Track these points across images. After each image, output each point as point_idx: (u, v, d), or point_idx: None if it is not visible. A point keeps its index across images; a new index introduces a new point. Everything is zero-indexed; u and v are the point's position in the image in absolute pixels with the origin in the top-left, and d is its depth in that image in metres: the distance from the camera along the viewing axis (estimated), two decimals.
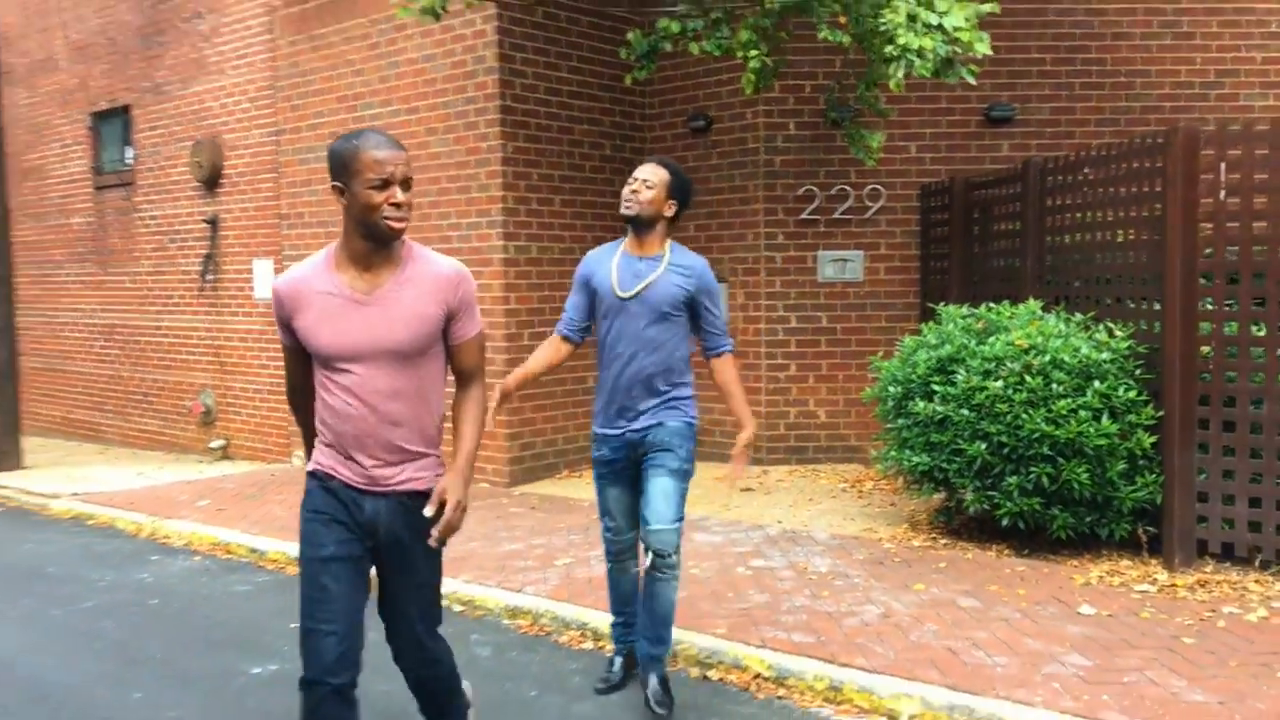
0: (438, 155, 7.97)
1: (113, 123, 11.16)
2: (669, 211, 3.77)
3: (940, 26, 5.30)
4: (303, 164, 8.95)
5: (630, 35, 7.12)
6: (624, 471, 3.83)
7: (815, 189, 7.99)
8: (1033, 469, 5.12)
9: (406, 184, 2.62)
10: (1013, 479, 5.20)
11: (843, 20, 6.48)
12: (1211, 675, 3.78)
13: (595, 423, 3.88)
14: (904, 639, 4.25)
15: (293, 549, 5.92)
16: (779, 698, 3.96)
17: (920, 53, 5.36)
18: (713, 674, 4.18)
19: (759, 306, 8.08)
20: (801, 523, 6.29)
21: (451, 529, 2.68)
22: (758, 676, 4.09)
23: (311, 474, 2.79)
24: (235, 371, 9.91)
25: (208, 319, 10.15)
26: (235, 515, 7.11)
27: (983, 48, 5.51)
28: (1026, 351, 5.27)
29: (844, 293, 8.09)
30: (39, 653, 4.68)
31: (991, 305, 5.85)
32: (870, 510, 6.57)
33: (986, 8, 5.70)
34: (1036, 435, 5.07)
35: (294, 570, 5.77)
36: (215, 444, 9.99)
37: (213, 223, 9.90)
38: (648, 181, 3.72)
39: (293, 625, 4.51)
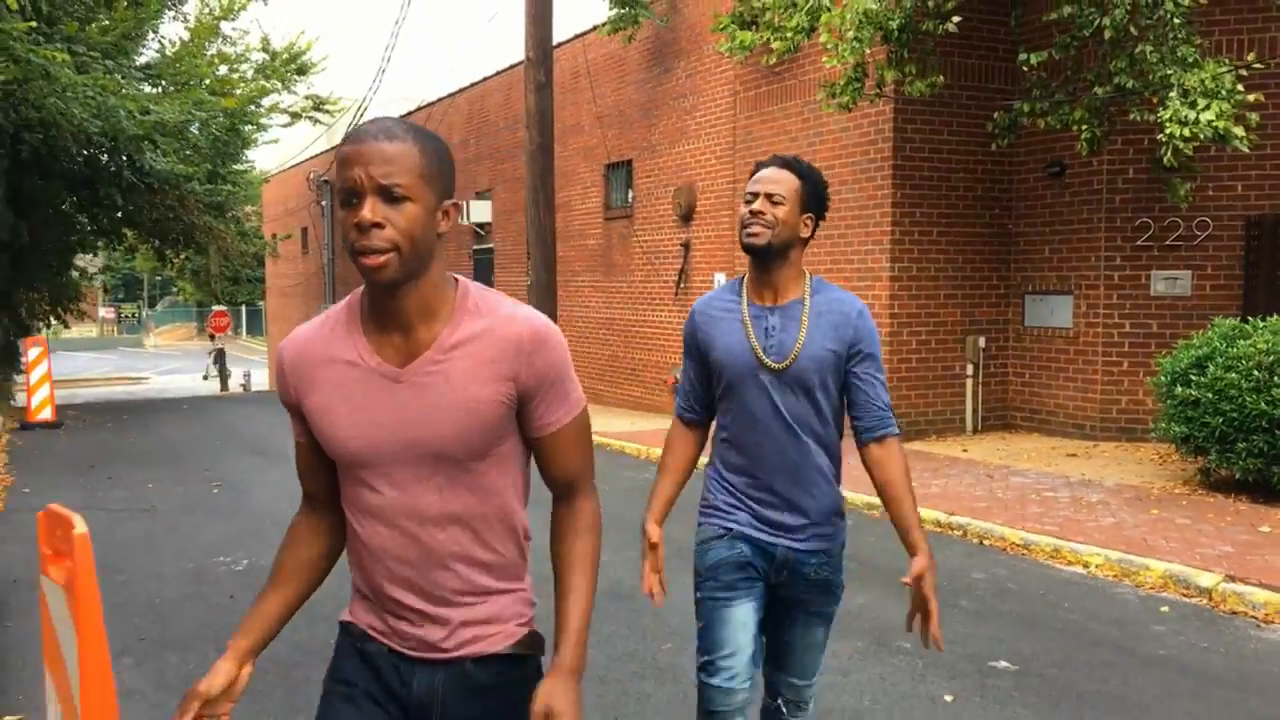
0: (847, 200, 10.92)
1: (619, 172, 15.31)
2: (805, 231, 2.69)
3: (1198, 120, 7.35)
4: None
5: (996, 115, 9.64)
6: (757, 587, 2.70)
7: (1150, 220, 9.93)
8: (1254, 437, 7.09)
9: (388, 194, 1.62)
10: (1241, 445, 7.18)
11: (1154, 101, 8.55)
12: None
13: (719, 517, 2.74)
14: (1118, 534, 6.57)
15: None
16: (1022, 555, 6.50)
17: (1184, 138, 7.44)
18: (986, 542, 6.78)
19: (1098, 314, 10.16)
20: (1099, 476, 8.50)
21: None
22: (1013, 544, 6.64)
23: (344, 626, 1.88)
24: None
25: (679, 315, 13.87)
26: None
27: (1238, 131, 7.44)
28: (1262, 352, 7.20)
29: (1173, 305, 9.94)
30: None
31: (1249, 318, 7.74)
32: (1161, 473, 8.59)
33: (1252, 97, 7.60)
34: (1257, 413, 7.03)
35: None
36: None
37: (686, 246, 13.60)
38: (774, 195, 2.64)
39: None
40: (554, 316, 13.93)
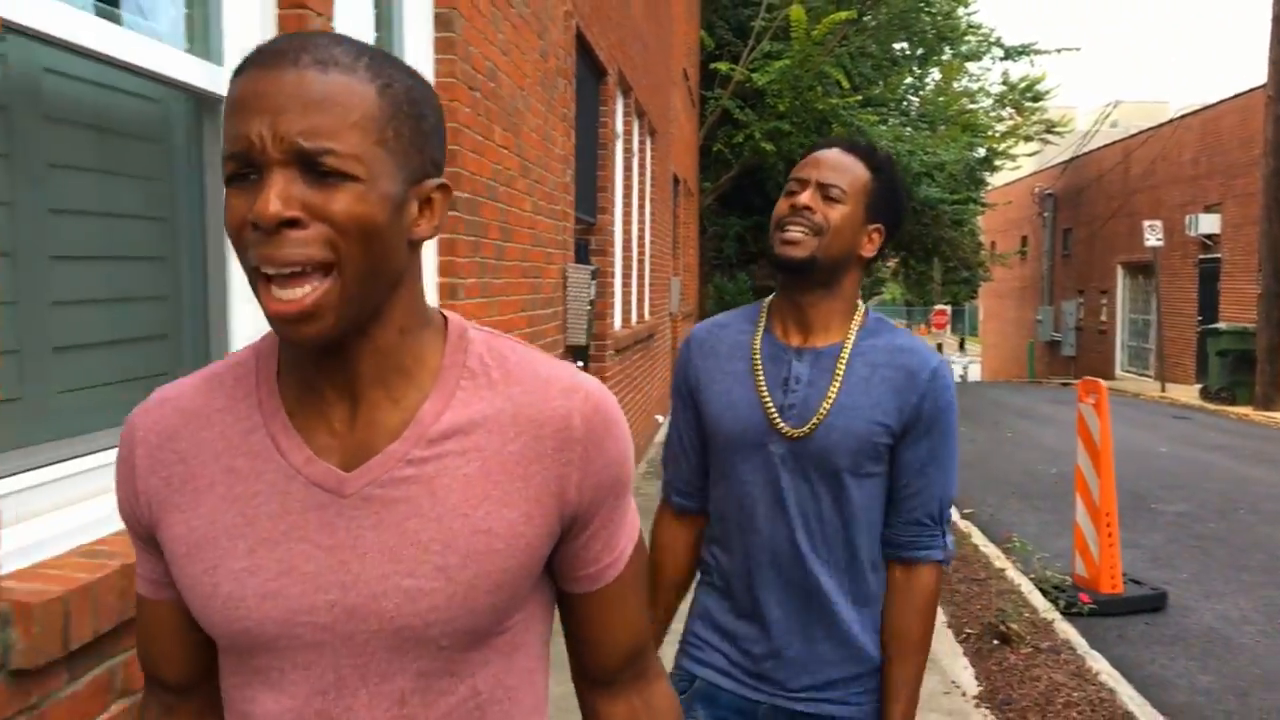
0: None
1: None
2: (869, 248, 1.80)
3: None
4: None
5: None
6: None
7: None
8: None
9: (312, 166, 0.83)
10: None
11: None
12: None
13: (689, 654, 1.89)
14: None
15: None
16: None
17: None
18: None
19: None
20: None
21: None
22: None
23: None
24: None
25: None
26: None
27: None
28: None
29: None
30: None
31: None
32: None
33: None
34: None
35: None
36: None
37: None
38: (831, 188, 1.74)
39: None
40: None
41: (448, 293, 3.45)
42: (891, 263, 32.26)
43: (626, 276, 8.67)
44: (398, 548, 0.90)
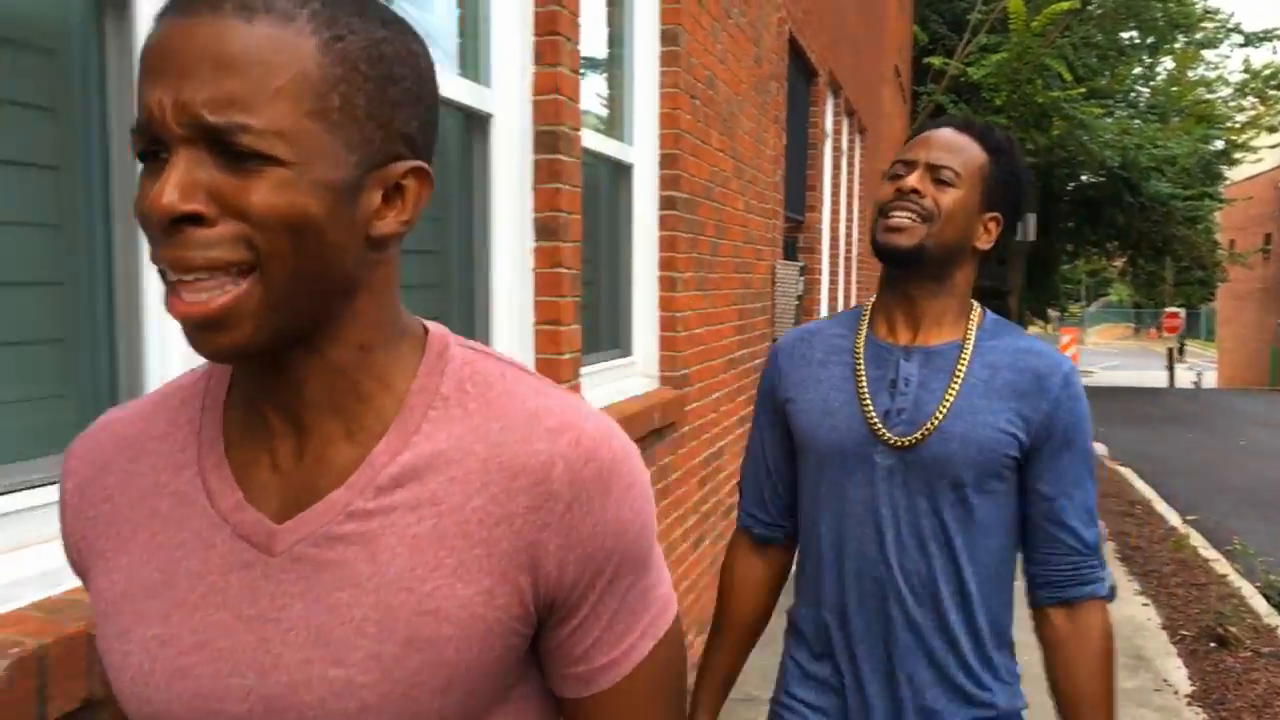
0: None
1: None
2: (984, 240, 1.57)
3: None
4: None
5: None
6: None
7: None
8: None
9: (222, 142, 0.66)
10: None
11: None
12: None
13: (792, 682, 1.62)
14: None
15: None
16: None
17: None
18: None
19: None
20: None
21: None
22: None
23: None
24: None
25: None
26: None
27: None
28: None
29: None
30: None
31: None
32: None
33: None
34: None
35: None
36: None
37: None
38: (943, 169, 1.52)
39: None
40: None
41: (667, 285, 3.75)
42: (1118, 262, 30.72)
43: (834, 274, 8.79)
44: (325, 626, 0.71)
